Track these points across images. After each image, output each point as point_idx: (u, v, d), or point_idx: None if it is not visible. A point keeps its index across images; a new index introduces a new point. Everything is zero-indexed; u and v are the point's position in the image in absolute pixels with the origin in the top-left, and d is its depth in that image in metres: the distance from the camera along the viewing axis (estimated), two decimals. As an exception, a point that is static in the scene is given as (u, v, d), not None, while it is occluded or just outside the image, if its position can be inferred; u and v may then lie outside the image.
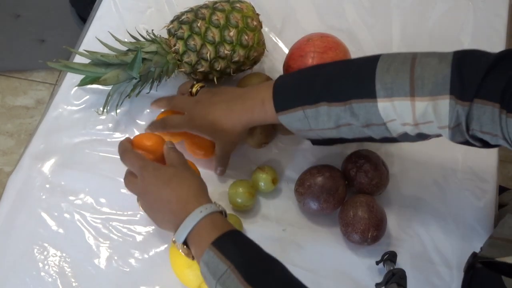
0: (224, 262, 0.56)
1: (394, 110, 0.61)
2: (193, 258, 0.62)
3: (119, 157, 0.84)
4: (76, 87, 0.87)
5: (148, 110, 0.89)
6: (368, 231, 0.72)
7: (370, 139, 0.68)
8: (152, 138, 0.73)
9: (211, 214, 0.61)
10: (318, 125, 0.66)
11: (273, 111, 0.68)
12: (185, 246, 0.62)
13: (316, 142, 0.73)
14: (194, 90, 0.79)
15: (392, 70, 0.60)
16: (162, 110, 0.84)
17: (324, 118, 0.65)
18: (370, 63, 0.63)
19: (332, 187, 0.75)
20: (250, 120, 0.72)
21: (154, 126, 0.78)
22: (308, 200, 0.75)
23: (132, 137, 0.74)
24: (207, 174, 0.80)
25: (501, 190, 1.03)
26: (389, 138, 0.66)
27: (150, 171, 0.66)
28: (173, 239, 0.63)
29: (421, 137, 0.65)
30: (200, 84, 0.79)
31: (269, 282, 0.57)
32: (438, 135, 0.63)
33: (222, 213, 0.64)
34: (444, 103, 0.57)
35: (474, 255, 0.69)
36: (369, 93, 0.61)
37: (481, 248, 0.70)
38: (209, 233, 0.59)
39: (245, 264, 0.57)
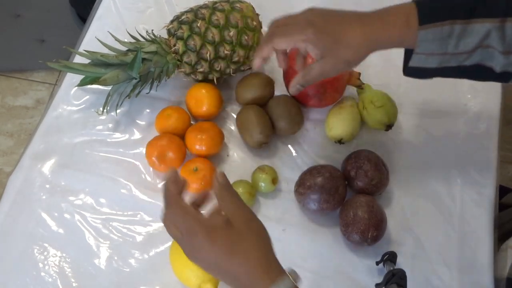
0: None
1: None
2: None
3: (119, 157, 0.84)
4: (76, 87, 0.87)
5: (148, 110, 0.89)
6: (368, 231, 0.72)
7: (484, 73, 0.62)
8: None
9: None
10: (456, 47, 0.60)
11: (415, 26, 0.59)
12: None
13: (412, 72, 0.66)
14: None
15: None
16: (162, 111, 0.84)
17: (468, 39, 0.59)
18: None
19: (332, 187, 0.75)
20: (387, 39, 0.62)
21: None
22: (308, 201, 0.75)
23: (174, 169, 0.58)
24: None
25: (505, 191, 1.03)
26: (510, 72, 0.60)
27: (202, 238, 0.52)
28: None
29: None
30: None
31: None
32: None
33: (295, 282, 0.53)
34: None
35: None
36: None
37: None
38: None
39: None
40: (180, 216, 0.54)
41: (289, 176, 0.82)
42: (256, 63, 0.67)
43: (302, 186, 0.76)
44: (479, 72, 0.63)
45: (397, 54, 0.96)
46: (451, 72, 0.64)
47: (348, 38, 0.62)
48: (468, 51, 0.60)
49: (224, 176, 0.57)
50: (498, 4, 0.59)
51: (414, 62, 0.64)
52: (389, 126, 0.83)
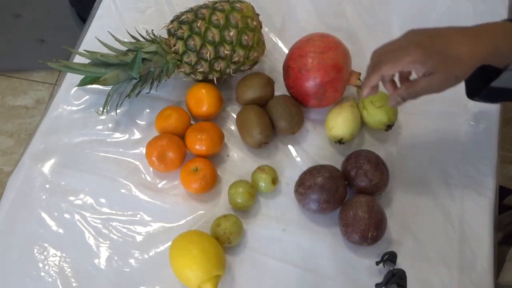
0: None
1: None
2: None
3: (119, 157, 0.84)
4: (76, 87, 0.87)
5: (148, 110, 0.89)
6: (368, 231, 0.72)
7: None
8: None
9: None
10: None
11: None
12: None
13: (490, 94, 0.66)
14: None
15: None
16: (162, 111, 0.84)
17: None
18: None
19: (332, 187, 0.75)
20: (493, 50, 0.62)
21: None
22: (308, 201, 0.75)
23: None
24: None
25: (507, 192, 1.03)
26: None
27: None
28: None
29: None
30: None
31: None
32: None
33: None
34: None
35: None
36: None
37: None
38: None
39: None
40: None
41: (289, 176, 0.82)
42: (365, 92, 0.67)
43: (302, 186, 0.76)
44: None
45: (397, 54, 0.96)
46: None
47: (457, 54, 0.61)
48: None
49: None
50: None
51: (500, 82, 0.63)
52: (389, 126, 0.83)
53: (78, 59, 0.88)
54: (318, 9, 1.02)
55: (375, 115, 0.82)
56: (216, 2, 0.82)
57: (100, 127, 0.87)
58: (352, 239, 0.74)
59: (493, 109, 0.89)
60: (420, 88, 0.63)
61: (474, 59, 0.61)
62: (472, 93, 0.70)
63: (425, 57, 0.61)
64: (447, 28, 0.64)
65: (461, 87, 0.92)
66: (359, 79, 0.84)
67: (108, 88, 0.84)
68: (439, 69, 0.61)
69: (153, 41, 0.81)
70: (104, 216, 0.79)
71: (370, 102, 0.83)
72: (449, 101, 0.90)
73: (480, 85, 0.68)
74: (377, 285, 0.69)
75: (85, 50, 0.82)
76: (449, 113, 0.89)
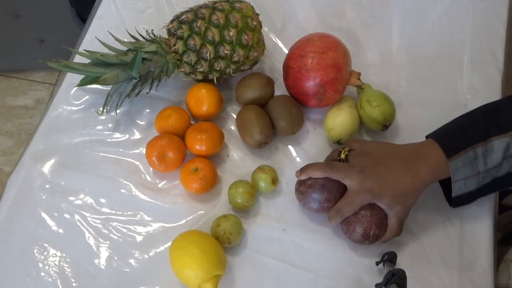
0: None
1: None
2: None
3: (119, 157, 0.84)
4: (76, 87, 0.87)
5: (148, 110, 0.89)
6: (370, 229, 0.72)
7: None
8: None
9: None
10: (485, 165, 0.69)
11: (446, 161, 0.69)
12: None
13: (459, 201, 0.74)
14: (342, 155, 0.75)
15: None
16: (163, 110, 0.84)
17: (493, 155, 0.68)
18: None
19: (333, 186, 0.74)
20: (433, 178, 0.71)
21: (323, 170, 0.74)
22: (309, 199, 0.75)
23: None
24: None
25: (506, 192, 1.03)
26: None
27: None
28: None
29: None
30: (347, 149, 0.75)
31: None
32: None
33: None
34: None
35: None
36: None
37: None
38: None
39: None
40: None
41: (289, 176, 0.82)
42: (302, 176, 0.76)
43: (303, 185, 0.76)
44: None
45: (397, 54, 0.96)
46: (490, 188, 0.72)
47: (404, 190, 0.71)
48: (497, 164, 0.69)
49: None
50: (506, 120, 0.69)
51: (455, 191, 0.71)
52: (385, 126, 0.82)
53: (78, 59, 0.88)
54: (318, 9, 1.02)
55: (371, 114, 0.82)
56: (216, 2, 0.82)
57: (100, 127, 0.87)
58: (354, 237, 0.74)
59: (493, 109, 0.89)
60: (396, 232, 0.74)
61: (420, 189, 0.71)
62: (450, 203, 0.77)
63: (375, 200, 0.71)
64: (391, 161, 0.72)
65: (461, 87, 0.92)
66: (359, 79, 0.84)
67: (108, 88, 0.84)
68: (391, 205, 0.71)
69: (153, 41, 0.81)
70: (104, 216, 0.79)
71: (366, 101, 0.83)
72: (449, 102, 0.90)
73: (447, 198, 0.77)
74: (377, 285, 0.69)
75: (85, 50, 0.82)
76: (449, 113, 0.88)
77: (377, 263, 0.74)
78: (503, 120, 0.70)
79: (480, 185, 0.71)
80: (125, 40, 0.83)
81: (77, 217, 0.79)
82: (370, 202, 0.71)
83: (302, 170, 0.76)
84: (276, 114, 0.83)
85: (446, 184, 0.75)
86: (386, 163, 0.71)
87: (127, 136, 0.87)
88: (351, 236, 0.74)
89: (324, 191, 0.74)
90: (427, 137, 0.75)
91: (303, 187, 0.76)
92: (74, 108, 0.89)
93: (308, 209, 0.77)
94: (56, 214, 0.79)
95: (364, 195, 0.70)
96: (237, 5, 0.82)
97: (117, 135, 0.87)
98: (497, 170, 0.69)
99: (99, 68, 0.81)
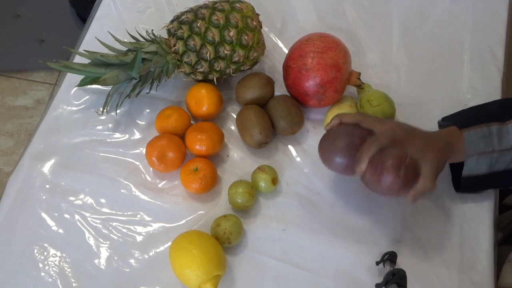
0: None
1: None
2: None
3: (119, 157, 0.84)
4: (76, 87, 0.87)
5: (148, 110, 0.89)
6: (401, 165, 0.64)
7: None
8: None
9: None
10: (500, 144, 0.68)
11: (460, 134, 0.69)
12: None
13: (466, 184, 0.73)
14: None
15: None
16: (162, 109, 0.84)
17: (508, 136, 0.68)
18: None
19: (361, 134, 0.70)
20: (451, 151, 0.70)
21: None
22: (335, 154, 0.70)
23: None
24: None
25: (507, 191, 1.03)
26: None
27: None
28: None
29: None
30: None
31: None
32: None
33: None
34: None
35: None
36: None
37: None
38: None
39: None
40: None
41: (289, 176, 0.82)
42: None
43: (326, 139, 0.71)
44: None
45: (397, 55, 0.96)
46: (498, 181, 0.72)
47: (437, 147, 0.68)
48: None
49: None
50: None
51: (467, 169, 0.71)
52: (386, 126, 0.82)
53: (78, 59, 0.88)
54: (318, 9, 1.02)
55: (371, 114, 0.82)
56: (216, 2, 0.82)
57: (100, 127, 0.87)
58: (384, 182, 0.66)
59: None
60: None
61: (444, 149, 0.69)
62: (456, 187, 0.78)
63: (408, 140, 0.68)
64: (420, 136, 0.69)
65: (461, 87, 0.92)
66: (359, 79, 0.84)
67: (108, 88, 0.84)
68: (425, 153, 0.67)
69: (153, 41, 0.81)
70: (104, 216, 0.79)
71: (367, 101, 0.83)
72: (449, 102, 0.90)
73: (457, 179, 0.77)
74: (377, 285, 0.69)
75: (85, 50, 0.82)
76: (449, 113, 0.88)
77: (377, 263, 0.74)
78: None
79: (492, 170, 0.70)
80: (125, 40, 0.83)
81: (77, 217, 0.79)
82: (402, 143, 0.66)
83: (334, 117, 0.73)
84: (276, 114, 0.83)
85: (456, 171, 0.76)
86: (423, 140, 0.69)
87: (127, 136, 0.87)
88: (380, 182, 0.66)
89: (349, 141, 0.70)
90: (439, 124, 0.75)
91: (326, 142, 0.72)
92: (74, 108, 0.89)
93: (333, 167, 0.72)
94: (56, 214, 0.79)
95: (397, 130, 0.67)
96: (237, 5, 0.82)
97: (117, 135, 0.87)
98: (511, 157, 0.69)
99: (99, 68, 0.81)
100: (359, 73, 0.84)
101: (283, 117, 0.82)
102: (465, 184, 0.74)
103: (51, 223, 0.79)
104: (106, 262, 0.76)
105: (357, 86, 0.85)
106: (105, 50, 0.82)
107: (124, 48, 0.82)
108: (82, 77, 0.83)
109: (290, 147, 0.86)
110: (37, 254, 0.76)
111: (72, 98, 0.90)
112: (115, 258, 0.76)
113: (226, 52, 0.80)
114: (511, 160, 0.70)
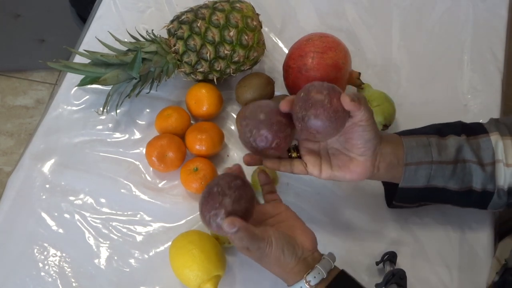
0: None
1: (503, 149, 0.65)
2: None
3: (119, 157, 0.84)
4: (76, 87, 0.87)
5: (148, 110, 0.89)
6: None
7: (466, 196, 0.68)
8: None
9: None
10: (439, 155, 0.66)
11: (400, 140, 0.67)
12: None
13: (401, 196, 0.71)
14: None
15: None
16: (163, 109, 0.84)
17: (447, 150, 0.67)
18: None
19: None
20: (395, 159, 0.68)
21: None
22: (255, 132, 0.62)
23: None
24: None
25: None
26: (489, 191, 0.67)
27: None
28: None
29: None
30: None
31: None
32: None
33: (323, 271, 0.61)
34: None
35: (504, 268, 0.69)
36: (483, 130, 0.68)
37: (506, 260, 0.70)
38: None
39: None
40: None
41: (289, 176, 0.82)
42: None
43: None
44: (462, 195, 0.68)
45: (398, 55, 0.96)
46: (438, 194, 0.69)
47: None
48: (451, 160, 0.66)
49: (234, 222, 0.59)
50: (464, 130, 0.69)
51: (405, 179, 0.67)
52: (385, 126, 0.82)
53: (78, 59, 0.88)
54: (318, 9, 1.02)
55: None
56: (216, 2, 0.82)
57: (100, 127, 0.87)
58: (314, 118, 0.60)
59: (493, 109, 0.89)
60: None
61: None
62: (389, 201, 0.77)
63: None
64: None
65: (461, 87, 0.92)
66: (359, 79, 0.84)
67: (108, 88, 0.84)
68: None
69: (153, 41, 0.81)
70: (104, 216, 0.79)
71: (367, 101, 0.82)
72: (449, 102, 0.90)
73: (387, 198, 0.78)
74: (377, 285, 0.69)
75: (85, 50, 0.82)
76: (449, 114, 0.88)
77: (377, 263, 0.74)
78: (459, 130, 0.69)
79: (430, 184, 0.67)
80: (125, 40, 0.83)
81: (77, 217, 0.79)
82: None
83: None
84: (276, 114, 0.83)
85: (389, 188, 0.76)
86: None
87: (127, 136, 0.87)
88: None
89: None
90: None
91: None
92: (74, 108, 0.89)
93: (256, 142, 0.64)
94: (56, 214, 0.79)
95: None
96: (237, 5, 0.82)
97: (117, 135, 0.87)
98: (450, 173, 0.66)
99: (99, 68, 0.81)
100: (359, 73, 0.84)
101: (283, 117, 0.82)
102: (401, 196, 0.70)
103: (51, 222, 0.79)
104: (106, 262, 0.76)
105: (357, 86, 0.85)
106: (105, 50, 0.82)
107: (124, 48, 0.82)
108: (82, 77, 0.83)
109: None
110: (37, 254, 0.76)
111: (72, 98, 0.90)
112: (115, 258, 0.76)
113: (226, 52, 0.80)
114: (450, 177, 0.67)
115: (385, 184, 0.79)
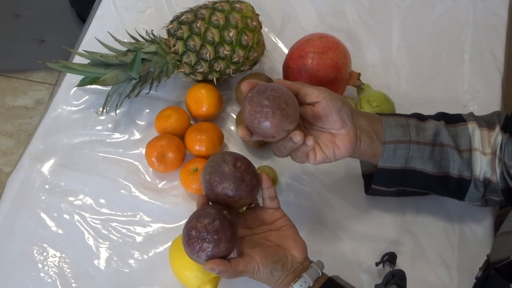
0: None
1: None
2: None
3: (119, 157, 0.84)
4: (76, 88, 0.87)
5: (147, 110, 0.89)
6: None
7: (442, 182, 0.70)
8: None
9: None
10: (418, 135, 0.68)
11: (379, 118, 0.69)
12: None
13: (379, 179, 0.71)
14: None
15: None
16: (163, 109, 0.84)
17: (425, 132, 0.68)
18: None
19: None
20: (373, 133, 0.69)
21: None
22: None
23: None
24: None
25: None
26: (466, 179, 0.69)
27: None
28: None
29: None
30: None
31: None
32: None
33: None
34: None
35: (487, 263, 0.69)
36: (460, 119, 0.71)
37: (488, 255, 0.70)
38: None
39: None
40: None
41: (289, 177, 0.82)
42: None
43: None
44: (439, 180, 0.70)
45: (397, 54, 0.96)
46: (415, 177, 0.70)
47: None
48: (429, 142, 0.68)
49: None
50: (436, 117, 0.72)
51: (383, 159, 0.68)
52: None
53: (77, 59, 0.88)
54: (318, 9, 1.02)
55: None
56: (215, 3, 0.82)
57: (99, 127, 0.87)
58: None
59: (493, 109, 0.89)
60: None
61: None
62: (367, 186, 0.78)
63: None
64: None
65: (461, 87, 0.92)
66: (359, 79, 0.84)
67: (108, 88, 0.84)
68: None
69: (152, 41, 0.81)
70: (103, 217, 0.79)
71: (367, 101, 0.83)
72: (449, 102, 0.90)
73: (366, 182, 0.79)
74: (376, 285, 0.69)
75: (84, 51, 0.82)
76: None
77: (377, 264, 0.74)
78: (439, 118, 0.72)
79: (408, 165, 0.68)
80: (125, 40, 0.83)
81: (76, 217, 0.79)
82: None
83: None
84: (276, 114, 0.82)
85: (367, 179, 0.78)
86: None
87: (126, 136, 0.86)
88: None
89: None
90: None
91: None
92: (74, 108, 0.89)
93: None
94: (55, 214, 0.79)
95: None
96: (237, 5, 0.81)
97: (117, 135, 0.86)
98: (428, 154, 0.68)
99: (99, 68, 0.81)
100: (359, 74, 0.84)
101: (283, 117, 0.82)
102: (379, 177, 0.71)
103: (50, 223, 0.79)
104: (105, 263, 0.76)
105: (357, 86, 0.85)
106: (105, 50, 0.82)
107: (124, 48, 0.82)
108: (81, 77, 0.83)
109: (290, 147, 0.86)
110: (36, 255, 0.76)
111: (72, 98, 0.90)
112: (115, 258, 0.76)
113: (226, 52, 0.80)
114: (428, 159, 0.68)
115: (365, 177, 0.79)
